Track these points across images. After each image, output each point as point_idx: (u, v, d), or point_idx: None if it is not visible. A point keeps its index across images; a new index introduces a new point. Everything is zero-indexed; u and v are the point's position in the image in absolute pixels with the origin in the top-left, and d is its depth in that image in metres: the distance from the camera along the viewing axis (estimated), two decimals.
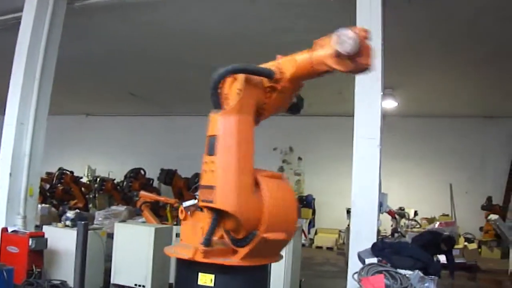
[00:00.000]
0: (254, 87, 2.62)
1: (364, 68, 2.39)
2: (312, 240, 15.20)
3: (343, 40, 2.29)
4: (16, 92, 7.33)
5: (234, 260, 2.55)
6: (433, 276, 4.01)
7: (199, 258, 2.52)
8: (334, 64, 2.38)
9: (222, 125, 2.54)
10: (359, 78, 5.95)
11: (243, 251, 2.54)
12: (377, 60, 5.89)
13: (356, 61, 2.33)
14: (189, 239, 3.15)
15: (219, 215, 2.54)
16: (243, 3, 8.15)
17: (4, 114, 7.28)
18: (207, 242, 2.56)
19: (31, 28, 7.46)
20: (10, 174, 7.14)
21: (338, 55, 2.33)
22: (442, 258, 10.67)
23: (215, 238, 2.67)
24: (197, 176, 13.19)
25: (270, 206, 2.47)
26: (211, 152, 2.54)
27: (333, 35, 2.37)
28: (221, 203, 2.45)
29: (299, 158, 17.13)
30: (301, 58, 2.58)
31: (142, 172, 14.24)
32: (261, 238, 2.45)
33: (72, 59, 10.25)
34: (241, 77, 2.58)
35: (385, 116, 5.97)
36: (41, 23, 7.59)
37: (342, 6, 7.18)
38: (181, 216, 3.47)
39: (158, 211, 10.53)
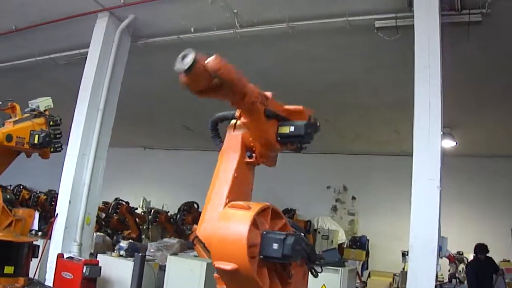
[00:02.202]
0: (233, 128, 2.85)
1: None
2: (365, 283, 14.66)
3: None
4: (79, 124, 7.67)
5: None
6: None
7: None
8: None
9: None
10: (418, 117, 5.81)
11: None
12: (436, 98, 5.77)
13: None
14: None
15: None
16: (296, 44, 8.25)
17: (67, 144, 7.60)
18: None
19: (96, 63, 7.87)
20: (70, 202, 7.40)
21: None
22: None
23: None
24: None
25: (213, 233, 2.44)
26: None
27: None
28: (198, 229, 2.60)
29: (353, 198, 16.75)
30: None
31: (196, 206, 14.35)
32: (214, 266, 2.43)
33: (132, 93, 10.67)
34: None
35: (444, 156, 5.76)
36: (106, 59, 8.00)
37: (397, 45, 7.14)
38: None
39: None
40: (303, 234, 2.68)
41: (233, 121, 2.84)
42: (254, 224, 2.36)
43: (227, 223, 2.42)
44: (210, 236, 2.44)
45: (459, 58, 7.49)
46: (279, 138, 2.65)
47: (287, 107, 2.76)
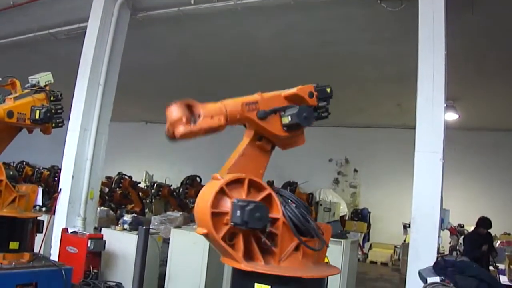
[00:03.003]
0: None
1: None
2: (366, 255, 14.84)
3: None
4: (80, 99, 7.63)
5: None
6: None
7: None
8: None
9: None
10: (421, 90, 5.76)
11: None
12: (440, 70, 5.71)
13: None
14: None
15: None
16: (296, 15, 8.14)
17: (68, 120, 7.58)
18: None
19: (96, 38, 7.77)
20: (73, 177, 7.41)
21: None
22: (504, 279, 10.19)
23: None
24: None
25: (196, 203, 2.75)
26: None
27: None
28: None
29: (355, 170, 16.81)
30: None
31: (198, 179, 14.40)
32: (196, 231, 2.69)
33: (133, 67, 10.60)
34: None
35: (446, 129, 5.74)
36: (106, 32, 7.90)
37: (400, 16, 7.04)
38: None
39: None
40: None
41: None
42: (222, 192, 2.58)
43: (202, 192, 2.70)
44: None
45: (463, 29, 7.39)
46: (285, 128, 2.86)
47: (284, 93, 2.92)
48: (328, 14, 8.03)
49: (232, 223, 2.50)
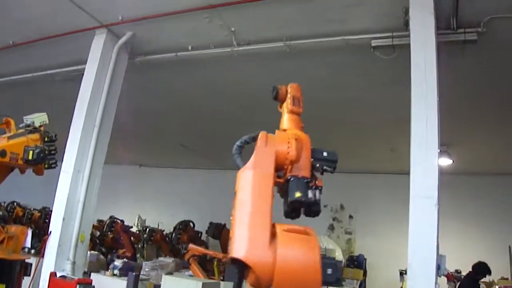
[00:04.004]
0: (271, 146, 2.70)
1: None
2: None
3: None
4: (75, 140, 7.62)
5: None
6: None
7: None
8: None
9: (239, 180, 2.59)
10: (415, 136, 5.80)
11: None
12: (433, 116, 5.77)
13: None
14: None
15: (242, 269, 2.40)
16: (291, 62, 8.28)
17: (62, 160, 7.54)
18: None
19: (93, 80, 7.86)
20: (63, 219, 7.29)
21: None
22: None
23: None
24: None
25: (280, 261, 2.27)
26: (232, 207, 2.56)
27: None
28: (235, 251, 2.33)
29: (350, 216, 16.69)
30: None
31: (191, 224, 14.25)
32: None
33: (129, 110, 10.65)
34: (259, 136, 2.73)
35: (441, 174, 5.74)
36: (103, 75, 8.00)
37: (393, 63, 7.17)
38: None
39: (206, 265, 10.41)
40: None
41: (264, 133, 2.80)
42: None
43: (295, 250, 2.33)
44: (262, 260, 2.29)
45: (455, 76, 7.53)
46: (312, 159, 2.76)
47: None
48: (323, 61, 8.17)
49: (323, 282, 2.28)
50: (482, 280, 10.08)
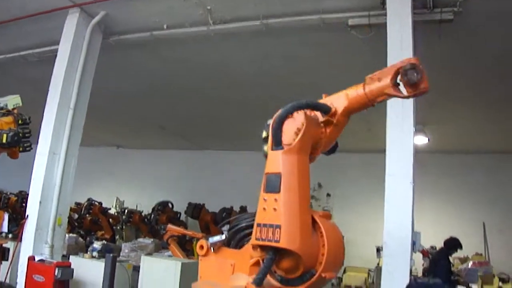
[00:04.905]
0: (312, 125, 2.64)
1: (424, 92, 2.53)
2: (340, 279, 14.78)
3: (407, 71, 2.48)
4: (49, 122, 7.50)
5: None
6: None
7: None
8: (395, 93, 2.54)
9: (285, 163, 2.52)
10: (390, 115, 5.87)
11: None
12: None
13: (418, 87, 2.49)
14: (213, 276, 3.05)
15: (275, 256, 2.48)
16: (269, 41, 8.25)
17: (37, 143, 7.42)
18: (260, 281, 2.46)
19: (66, 61, 7.71)
20: (40, 203, 7.22)
21: (397, 85, 2.53)
22: None
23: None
24: (224, 211, 13.13)
25: (328, 245, 2.49)
26: (270, 189, 2.51)
27: (389, 69, 2.57)
28: (287, 243, 2.40)
29: (328, 195, 16.88)
30: (354, 92, 2.69)
31: (170, 205, 14.25)
32: (319, 277, 2.43)
33: (104, 91, 10.51)
34: (301, 115, 2.60)
35: (416, 152, 5.83)
36: (77, 56, 7.85)
37: (370, 43, 7.20)
38: (200, 252, 3.31)
39: (185, 245, 10.45)
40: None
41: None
42: None
43: (333, 235, 2.59)
44: (313, 249, 2.49)
45: (431, 55, 7.59)
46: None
47: None
48: (300, 40, 8.15)
49: None
50: (456, 255, 10.35)
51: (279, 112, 2.60)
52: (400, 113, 5.81)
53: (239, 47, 8.63)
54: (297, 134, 2.56)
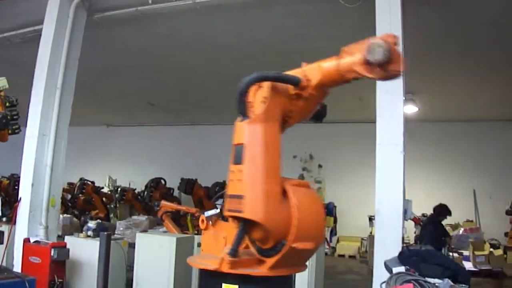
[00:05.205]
0: (280, 95, 2.56)
1: (395, 75, 2.31)
2: (334, 249, 15.03)
3: (373, 48, 2.23)
4: (37, 104, 7.41)
5: (260, 271, 2.47)
6: (463, 285, 3.89)
7: (226, 268, 2.44)
8: (364, 72, 2.32)
9: (249, 133, 2.48)
10: (380, 84, 5.86)
11: (270, 261, 2.47)
12: None
13: (386, 68, 2.27)
14: (211, 249, 3.08)
15: (246, 225, 2.47)
16: (257, 12, 8.14)
17: (25, 125, 7.35)
18: (234, 252, 2.47)
19: (51, 40, 7.56)
20: (32, 185, 7.19)
21: (368, 63, 2.28)
22: (468, 265, 10.45)
23: (240, 248, 2.60)
24: (217, 185, 13.18)
25: (298, 215, 2.40)
26: (237, 161, 2.48)
27: (363, 43, 2.32)
28: (250, 213, 2.39)
29: (320, 166, 16.99)
30: (328, 65, 2.53)
31: (163, 181, 14.28)
32: (290, 248, 2.39)
33: (92, 70, 10.38)
34: (266, 84, 2.53)
35: (406, 121, 5.86)
36: (62, 35, 7.69)
37: (359, 12, 7.13)
38: (202, 226, 3.41)
39: (179, 220, 10.52)
40: None
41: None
42: None
43: (309, 204, 2.48)
44: (270, 213, 2.39)
45: (420, 24, 7.56)
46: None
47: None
48: (287, 10, 8.06)
49: None
50: (447, 222, 10.49)
51: (240, 83, 2.51)
52: (389, 82, 5.79)
53: (225, 19, 8.52)
54: (264, 103, 2.51)
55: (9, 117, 5.10)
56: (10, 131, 5.19)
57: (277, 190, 2.45)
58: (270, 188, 2.42)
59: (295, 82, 2.55)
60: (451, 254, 10.03)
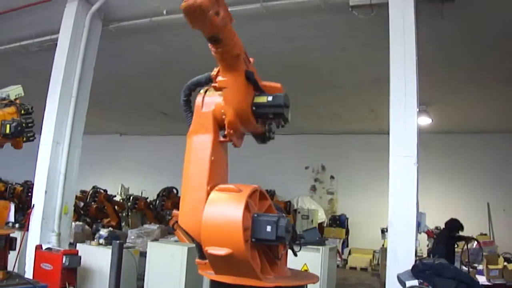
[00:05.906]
0: (203, 105, 2.70)
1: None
2: (345, 261, 14.89)
3: None
4: (52, 112, 7.50)
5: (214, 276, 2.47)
6: None
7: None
8: None
9: (187, 146, 2.64)
10: (394, 95, 5.84)
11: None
12: (411, 75, 5.80)
13: None
14: None
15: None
16: (268, 23, 8.18)
17: (40, 133, 7.43)
18: (200, 255, 2.56)
19: (67, 49, 7.67)
20: (46, 192, 7.26)
21: None
22: (482, 279, 10.25)
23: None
24: None
25: (205, 219, 2.35)
26: None
27: None
28: (179, 219, 2.54)
29: (332, 177, 16.91)
30: None
31: (175, 191, 14.30)
32: (207, 253, 2.35)
33: (106, 79, 10.48)
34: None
35: (420, 133, 5.82)
36: (77, 44, 7.81)
37: (372, 24, 7.12)
38: None
39: None
40: (284, 215, 2.58)
41: (202, 91, 2.79)
42: (247, 207, 2.31)
43: (219, 207, 2.35)
44: (195, 221, 2.38)
45: (433, 35, 7.54)
46: (254, 108, 2.56)
47: (264, 83, 2.71)
48: (300, 21, 8.07)
49: (253, 239, 2.31)
50: (460, 235, 10.34)
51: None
52: (403, 93, 5.78)
53: (239, 30, 8.54)
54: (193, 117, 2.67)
55: (24, 125, 5.14)
56: (25, 139, 5.24)
57: (199, 196, 2.46)
58: (190, 196, 2.51)
59: (206, 80, 2.80)
60: (464, 267, 9.85)
